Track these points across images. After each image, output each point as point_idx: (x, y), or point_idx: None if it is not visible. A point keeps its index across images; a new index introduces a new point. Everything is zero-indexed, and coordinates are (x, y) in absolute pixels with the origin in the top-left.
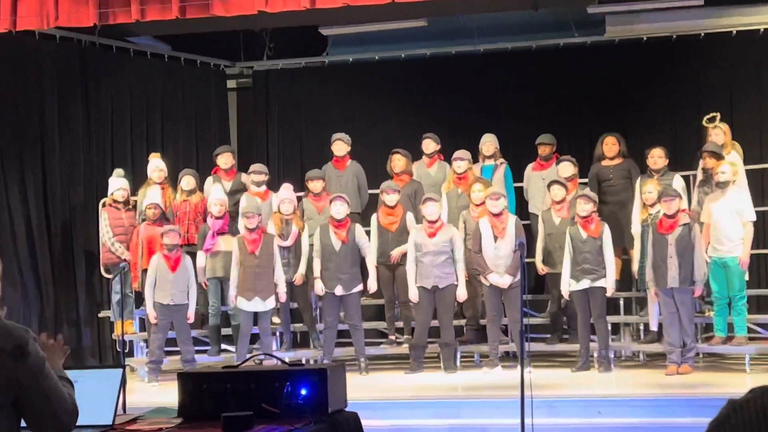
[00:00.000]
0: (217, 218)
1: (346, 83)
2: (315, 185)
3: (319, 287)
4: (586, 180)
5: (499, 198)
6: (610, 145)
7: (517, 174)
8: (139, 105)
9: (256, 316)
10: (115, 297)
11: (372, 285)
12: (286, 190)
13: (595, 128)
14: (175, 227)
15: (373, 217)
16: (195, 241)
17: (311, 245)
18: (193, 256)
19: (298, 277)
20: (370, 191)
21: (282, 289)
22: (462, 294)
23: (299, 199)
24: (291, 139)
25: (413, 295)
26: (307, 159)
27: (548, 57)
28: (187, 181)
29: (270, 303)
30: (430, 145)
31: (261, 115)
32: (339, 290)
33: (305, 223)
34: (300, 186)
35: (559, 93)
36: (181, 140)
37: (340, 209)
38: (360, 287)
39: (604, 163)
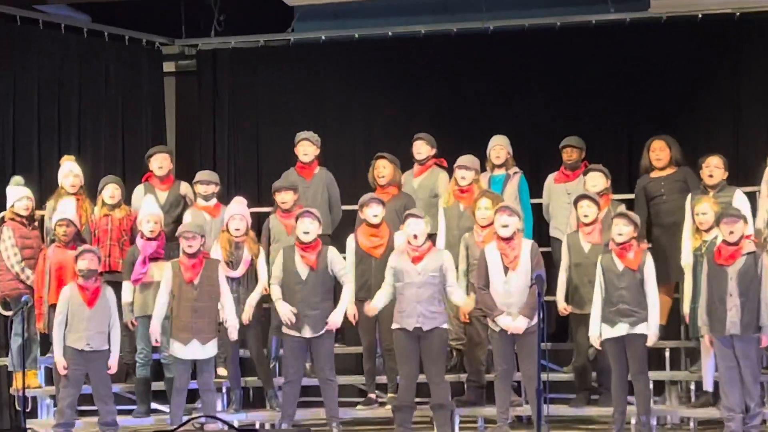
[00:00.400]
0: (150, 239)
1: (316, 67)
2: (284, 197)
3: (286, 309)
4: (630, 196)
5: (511, 217)
6: (657, 151)
7: (536, 187)
8: (48, 93)
9: (195, 366)
10: (15, 340)
11: (337, 319)
12: (237, 204)
13: (636, 129)
14: (94, 249)
15: (350, 239)
16: (119, 267)
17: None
18: (117, 287)
19: (246, 313)
20: (345, 207)
21: (232, 325)
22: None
23: (258, 217)
24: (246, 139)
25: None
26: (266, 163)
27: (576, 37)
28: (111, 190)
29: (212, 349)
30: (422, 148)
31: (207, 108)
32: (307, 332)
33: (269, 246)
34: (256, 198)
35: (589, 84)
36: (102, 138)
37: (309, 227)
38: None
39: (653, 174)
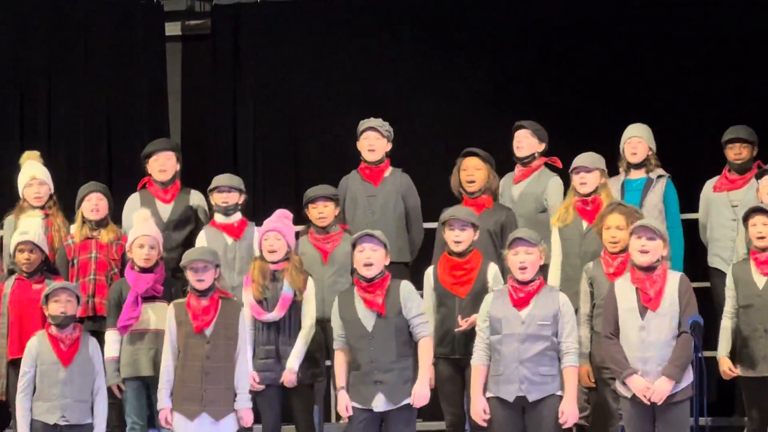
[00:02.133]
0: (143, 270)
1: (372, 30)
2: (320, 212)
3: (343, 404)
4: None
5: (653, 240)
6: None
7: (687, 196)
8: (6, 66)
9: None
10: None
11: (423, 392)
12: (278, 218)
13: None
14: (70, 286)
15: (428, 274)
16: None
17: (319, 321)
18: (103, 337)
19: (286, 377)
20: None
21: (243, 405)
22: (571, 412)
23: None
24: (278, 128)
25: (478, 409)
26: (307, 162)
27: None
28: (93, 202)
29: (229, 426)
30: (525, 141)
31: (225, 85)
32: (380, 404)
33: (309, 276)
34: (294, 213)
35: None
36: (81, 129)
37: (372, 259)
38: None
39: None
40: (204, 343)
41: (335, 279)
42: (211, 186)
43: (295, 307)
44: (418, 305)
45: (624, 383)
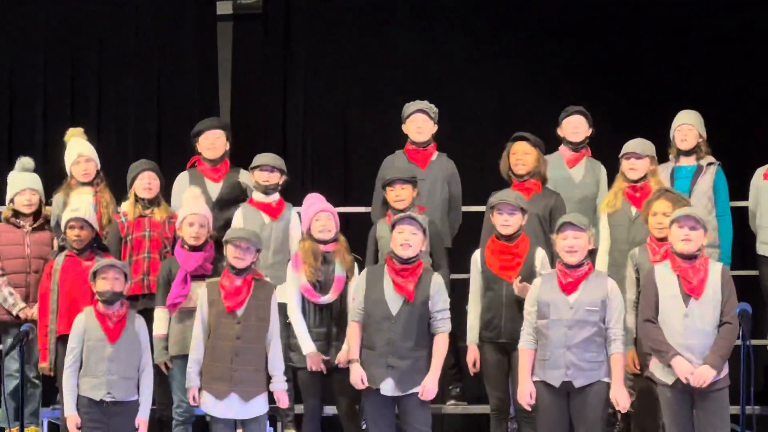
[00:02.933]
0: (193, 249)
1: (431, 11)
2: (397, 195)
3: (358, 376)
4: None
5: (695, 228)
6: None
7: (737, 184)
8: (58, 45)
9: (240, 428)
10: (9, 383)
11: (431, 387)
12: (318, 199)
13: None
14: (118, 263)
15: (475, 257)
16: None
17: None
18: (151, 315)
19: (344, 356)
20: (466, 209)
21: (280, 386)
22: (622, 396)
23: (346, 220)
24: (330, 110)
25: (525, 392)
26: (357, 144)
27: None
28: (146, 180)
29: (259, 406)
30: (581, 126)
31: (277, 66)
32: (388, 387)
33: (356, 259)
34: (342, 194)
35: None
36: (131, 107)
37: (411, 241)
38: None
39: None
40: (235, 323)
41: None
42: (254, 164)
43: (346, 288)
44: (445, 300)
45: (668, 366)
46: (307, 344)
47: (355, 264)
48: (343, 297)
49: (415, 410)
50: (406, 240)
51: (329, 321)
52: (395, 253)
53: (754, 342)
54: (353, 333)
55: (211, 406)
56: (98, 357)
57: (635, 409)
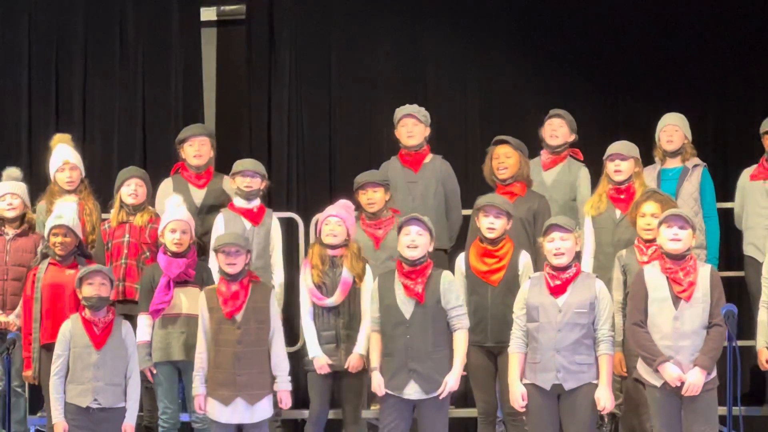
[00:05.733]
0: (175, 255)
1: (417, 15)
2: (369, 198)
3: (377, 383)
4: None
5: (684, 228)
6: None
7: (723, 186)
8: (42, 50)
9: None
10: None
11: (454, 382)
12: (339, 207)
13: None
14: (104, 269)
15: (459, 261)
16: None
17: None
18: (134, 322)
19: (355, 361)
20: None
21: (283, 388)
22: (605, 397)
23: None
24: (315, 116)
25: (516, 395)
26: (343, 149)
27: None
28: (132, 187)
29: (264, 410)
30: (561, 129)
31: (261, 71)
32: (413, 392)
33: (367, 264)
34: (327, 201)
35: None
36: (117, 113)
37: (417, 242)
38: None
39: None
40: (235, 328)
41: (387, 265)
42: (234, 170)
43: (355, 292)
44: (458, 296)
45: (655, 372)
46: (313, 348)
47: (368, 270)
48: (351, 300)
49: (435, 414)
50: (412, 241)
51: (335, 323)
52: (402, 255)
53: (741, 343)
54: (374, 343)
55: (217, 412)
56: (84, 364)
57: (622, 412)
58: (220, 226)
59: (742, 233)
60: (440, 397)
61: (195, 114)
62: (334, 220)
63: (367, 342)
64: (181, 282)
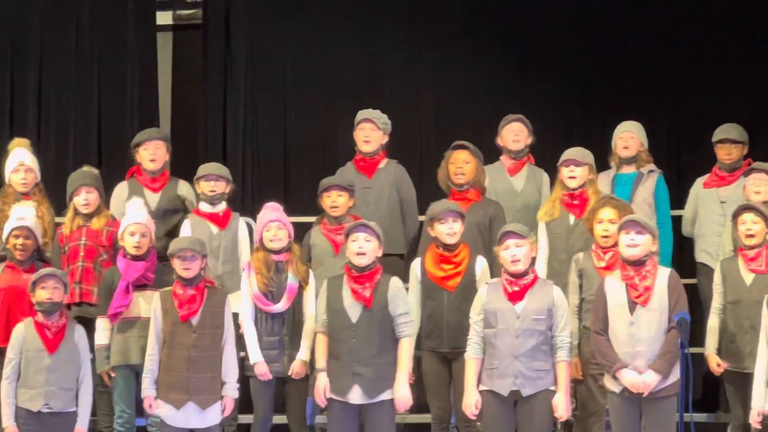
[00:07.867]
0: (134, 258)
1: (371, 17)
2: (333, 201)
3: (321, 386)
4: None
5: (642, 234)
6: None
7: (678, 192)
8: (1, 50)
9: None
10: None
11: (404, 394)
12: (273, 210)
13: None
14: (58, 272)
15: (415, 266)
16: (94, 299)
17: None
18: (91, 325)
19: (298, 366)
20: None
21: (230, 393)
22: (562, 405)
23: (299, 226)
24: (270, 120)
25: (470, 402)
26: (296, 155)
27: None
28: (84, 197)
29: (215, 414)
30: (521, 134)
31: (217, 75)
32: (356, 396)
33: (310, 268)
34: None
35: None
36: (73, 117)
37: (365, 249)
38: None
39: None
40: (190, 332)
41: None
42: (198, 174)
43: (299, 298)
44: (405, 303)
45: (614, 377)
46: (254, 354)
47: (311, 273)
48: (295, 306)
49: (381, 420)
50: (360, 248)
51: (280, 329)
52: (351, 262)
53: (693, 350)
54: (319, 344)
55: (169, 415)
56: (36, 368)
57: (577, 417)
58: (187, 231)
59: (694, 240)
60: (397, 410)
61: (150, 118)
62: (275, 225)
63: (310, 348)
64: (141, 285)
